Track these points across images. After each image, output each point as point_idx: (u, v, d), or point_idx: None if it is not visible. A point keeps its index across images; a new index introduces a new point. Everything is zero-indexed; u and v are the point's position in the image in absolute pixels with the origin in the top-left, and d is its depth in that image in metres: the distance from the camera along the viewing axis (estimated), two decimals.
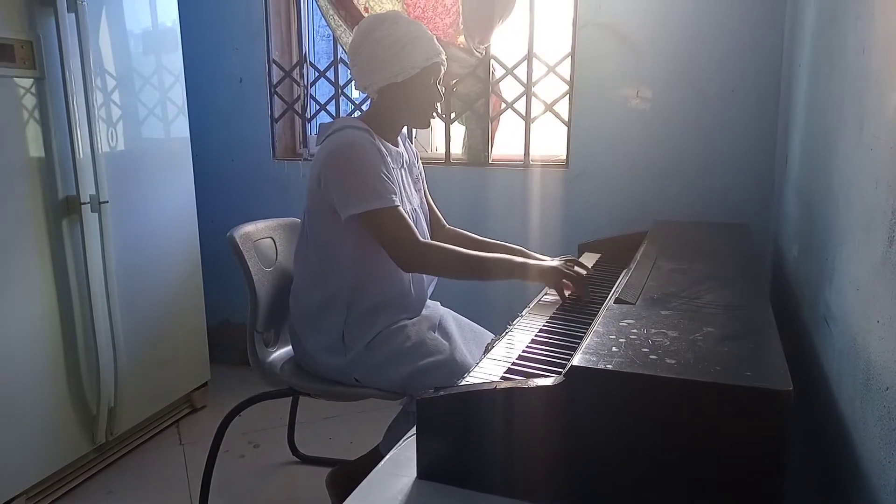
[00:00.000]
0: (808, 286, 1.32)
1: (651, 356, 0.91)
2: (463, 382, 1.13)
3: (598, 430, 0.87)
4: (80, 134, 1.88)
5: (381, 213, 1.51)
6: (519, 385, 0.93)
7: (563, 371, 0.90)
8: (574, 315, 1.44)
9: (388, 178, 1.54)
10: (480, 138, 2.55)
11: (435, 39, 1.59)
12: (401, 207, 1.54)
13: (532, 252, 1.78)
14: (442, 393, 0.97)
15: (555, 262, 1.57)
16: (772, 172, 2.16)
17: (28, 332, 1.81)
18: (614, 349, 0.94)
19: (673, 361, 0.89)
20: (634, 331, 1.03)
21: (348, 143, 1.53)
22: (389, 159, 1.61)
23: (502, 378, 1.12)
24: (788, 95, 1.90)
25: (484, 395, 0.94)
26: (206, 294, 2.54)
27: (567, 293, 1.52)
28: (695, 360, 0.90)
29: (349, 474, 1.80)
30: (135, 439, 2.24)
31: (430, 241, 1.58)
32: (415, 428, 0.99)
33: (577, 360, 0.90)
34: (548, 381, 0.91)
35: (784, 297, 1.57)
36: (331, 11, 2.56)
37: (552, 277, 1.54)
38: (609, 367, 0.87)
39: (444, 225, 1.89)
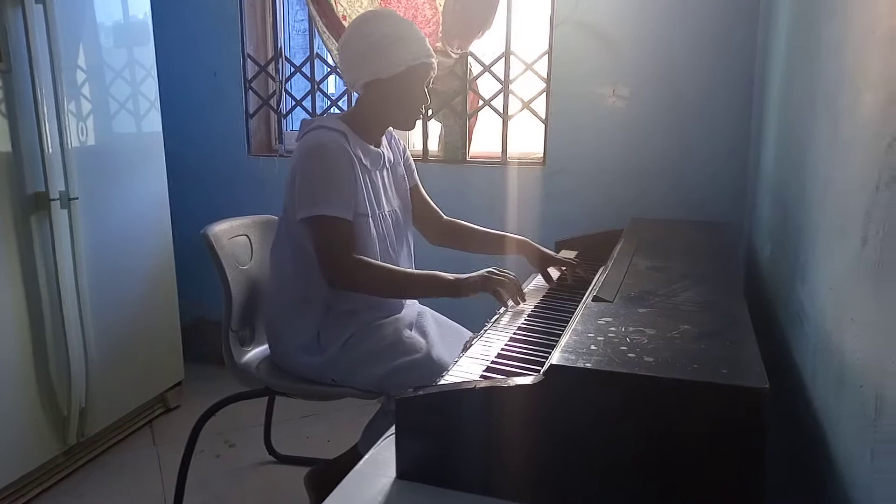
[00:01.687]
0: (781, 284, 1.34)
1: (629, 354, 0.92)
2: (442, 381, 1.13)
3: (576, 428, 0.87)
4: (49, 128, 1.83)
5: (323, 220, 1.48)
6: (498, 384, 0.93)
7: (542, 369, 0.90)
8: (553, 313, 1.45)
9: (350, 187, 1.51)
10: (458, 135, 2.55)
11: (426, 41, 1.58)
12: (346, 223, 1.50)
13: (535, 243, 1.79)
14: (421, 392, 0.97)
15: (484, 272, 1.52)
16: (745, 172, 2.19)
17: None
18: (593, 347, 0.95)
19: (651, 359, 0.90)
20: (612, 329, 1.03)
21: (317, 144, 1.51)
22: (368, 162, 1.60)
23: (482, 377, 1.12)
24: (762, 94, 1.92)
25: (463, 395, 0.94)
26: (180, 291, 2.50)
27: (505, 297, 1.50)
28: (672, 357, 0.90)
29: (328, 474, 1.79)
30: (107, 440, 2.20)
31: (363, 258, 1.52)
32: (393, 427, 0.98)
33: (555, 358, 0.90)
34: (527, 380, 0.91)
35: (758, 295, 1.59)
36: (316, 18, 2.53)
37: (486, 285, 1.49)
38: (588, 365, 0.88)
39: (442, 217, 1.89)
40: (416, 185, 1.83)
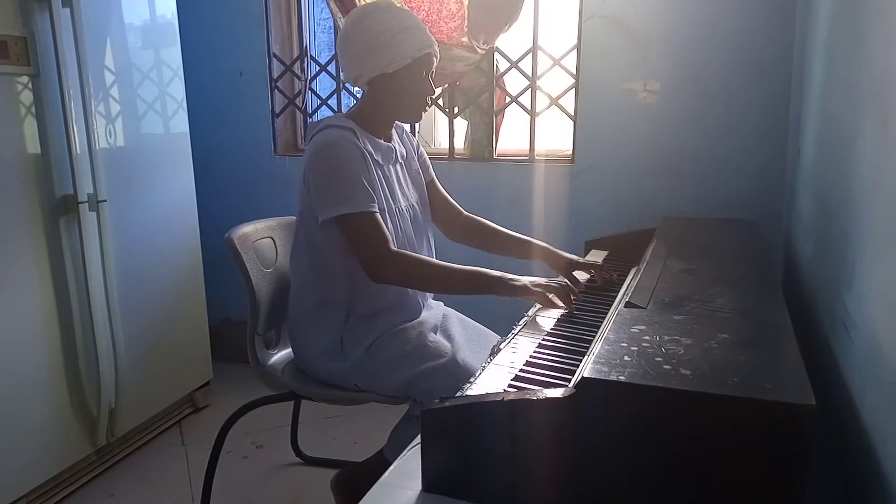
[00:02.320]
0: (824, 289, 1.28)
1: (665, 366, 0.88)
2: (469, 391, 1.09)
3: (609, 443, 0.84)
4: (77, 131, 1.84)
5: (354, 218, 1.46)
6: (527, 396, 0.89)
7: (573, 381, 0.86)
8: (583, 317, 1.41)
9: (369, 181, 1.49)
10: (485, 133, 2.51)
11: (427, 30, 1.55)
12: (376, 214, 1.48)
13: (554, 248, 1.74)
14: (447, 404, 0.94)
15: (531, 278, 1.48)
16: (782, 168, 2.11)
17: (25, 334, 1.78)
18: (626, 358, 0.91)
19: (688, 372, 0.85)
20: (646, 338, 0.99)
21: (328, 143, 1.49)
22: (379, 156, 1.57)
23: (509, 387, 1.08)
24: (800, 89, 1.85)
25: (491, 407, 0.91)
26: (207, 290, 2.51)
27: (555, 302, 1.46)
28: (711, 370, 0.86)
29: (354, 478, 1.77)
30: (136, 440, 2.22)
31: (403, 251, 1.50)
32: (419, 437, 0.95)
33: (587, 370, 0.86)
34: (557, 393, 0.88)
35: (797, 299, 1.53)
36: (338, 14, 2.51)
37: (528, 292, 1.44)
38: (621, 378, 0.84)
39: (461, 212, 1.84)
40: (433, 179, 1.80)
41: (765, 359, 0.92)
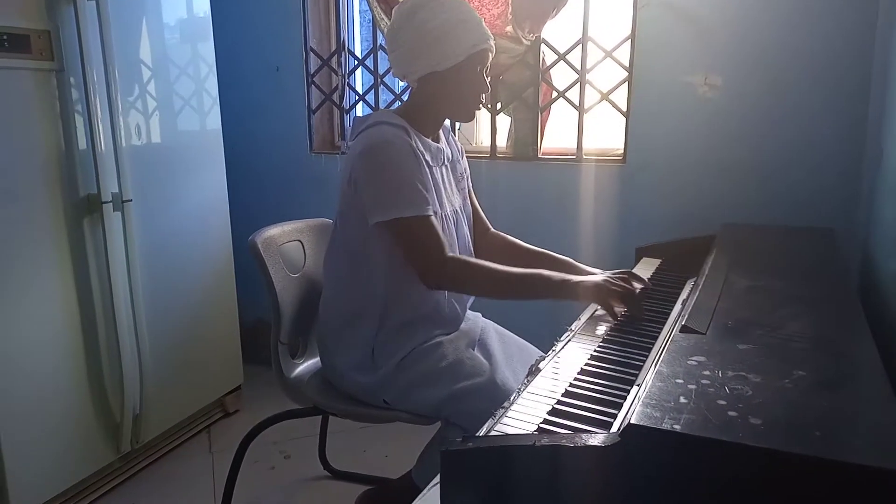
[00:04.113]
0: None
1: (730, 412, 0.73)
2: (501, 421, 0.96)
3: (659, 502, 0.70)
4: (102, 128, 1.78)
5: (410, 221, 1.36)
6: (563, 442, 0.76)
7: (617, 423, 0.73)
8: (631, 338, 1.25)
9: (423, 183, 1.39)
10: (529, 130, 2.36)
11: (483, 23, 1.42)
12: (432, 218, 1.38)
13: (580, 264, 1.59)
14: (471, 445, 0.81)
15: (599, 278, 1.35)
16: (860, 170, 1.91)
17: (48, 337, 1.73)
18: (682, 400, 0.77)
19: (758, 421, 0.71)
20: (706, 372, 0.85)
21: (382, 141, 1.38)
22: (429, 157, 1.46)
23: (544, 422, 0.95)
24: (884, 84, 1.65)
25: (521, 452, 0.78)
26: (240, 291, 2.44)
27: (619, 311, 1.33)
28: (787, 419, 0.72)
29: (382, 499, 1.67)
30: (163, 446, 2.16)
31: (460, 255, 1.42)
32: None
33: (635, 415, 0.73)
34: (598, 439, 0.75)
35: (880, 322, 1.35)
36: (377, 12, 2.41)
37: (598, 295, 1.33)
38: (676, 427, 0.70)
39: (489, 229, 1.72)
40: (470, 190, 1.68)
41: (852, 406, 0.77)
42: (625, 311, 1.33)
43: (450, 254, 1.39)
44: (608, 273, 1.40)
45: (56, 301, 1.74)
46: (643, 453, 0.71)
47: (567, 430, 0.91)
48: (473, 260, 1.43)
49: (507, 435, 0.89)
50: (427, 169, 1.45)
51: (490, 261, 1.70)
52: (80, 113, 1.76)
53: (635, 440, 0.71)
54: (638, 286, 1.38)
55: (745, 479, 0.67)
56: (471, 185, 1.68)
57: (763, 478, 0.66)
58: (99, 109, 1.77)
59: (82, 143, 1.77)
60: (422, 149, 1.44)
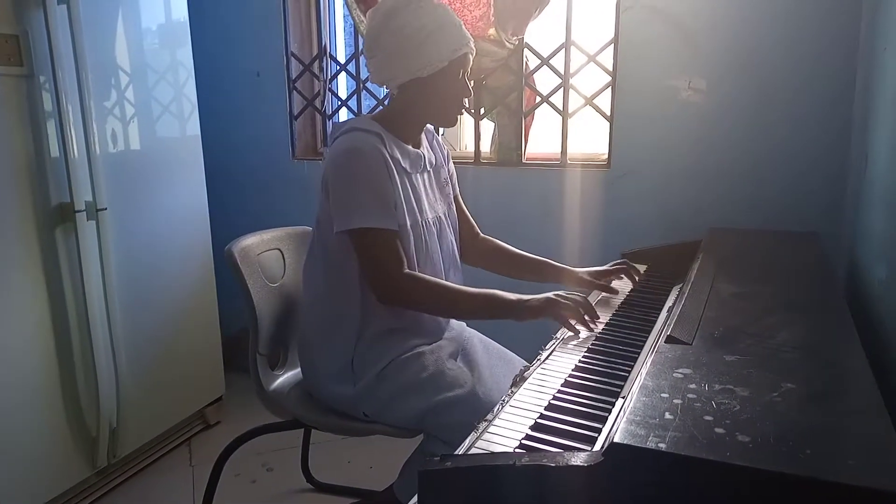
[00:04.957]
0: None
1: (717, 429, 0.71)
2: (483, 436, 0.93)
3: None
4: (75, 135, 1.73)
5: (367, 233, 1.33)
6: (545, 462, 0.73)
7: (600, 442, 0.70)
8: (616, 347, 1.23)
9: (388, 196, 1.35)
10: (513, 135, 2.34)
11: (463, 26, 1.40)
12: (393, 232, 1.35)
13: (575, 269, 1.59)
14: (449, 464, 0.78)
15: (551, 293, 1.33)
16: (844, 175, 1.89)
17: (19, 349, 1.68)
18: (667, 416, 0.74)
19: (746, 439, 0.69)
20: (692, 385, 0.82)
21: (351, 148, 1.35)
22: (407, 164, 1.43)
23: (527, 437, 0.92)
24: (867, 89, 1.64)
25: (501, 472, 0.75)
26: (222, 300, 2.39)
27: (573, 323, 1.30)
28: (776, 436, 0.69)
29: None
30: (141, 461, 2.10)
31: (417, 273, 1.37)
32: None
33: (619, 433, 0.70)
34: (581, 458, 0.72)
35: (866, 328, 1.33)
36: (353, 4, 2.38)
37: (549, 310, 1.31)
38: (661, 446, 0.68)
39: (478, 234, 1.70)
40: (457, 195, 1.65)
41: (844, 420, 0.75)
42: (577, 324, 1.30)
43: (406, 270, 1.35)
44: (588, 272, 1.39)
45: (28, 313, 1.69)
46: (627, 473, 0.68)
47: (550, 446, 0.88)
48: (428, 278, 1.38)
49: (487, 454, 0.86)
50: (404, 177, 1.42)
51: (480, 266, 1.68)
52: (52, 119, 1.71)
53: (619, 459, 0.68)
54: (579, 295, 1.36)
55: (734, 499, 0.64)
56: (457, 190, 1.65)
57: (752, 498, 0.64)
58: (71, 115, 1.72)
59: (54, 150, 1.72)
60: (398, 156, 1.41)
